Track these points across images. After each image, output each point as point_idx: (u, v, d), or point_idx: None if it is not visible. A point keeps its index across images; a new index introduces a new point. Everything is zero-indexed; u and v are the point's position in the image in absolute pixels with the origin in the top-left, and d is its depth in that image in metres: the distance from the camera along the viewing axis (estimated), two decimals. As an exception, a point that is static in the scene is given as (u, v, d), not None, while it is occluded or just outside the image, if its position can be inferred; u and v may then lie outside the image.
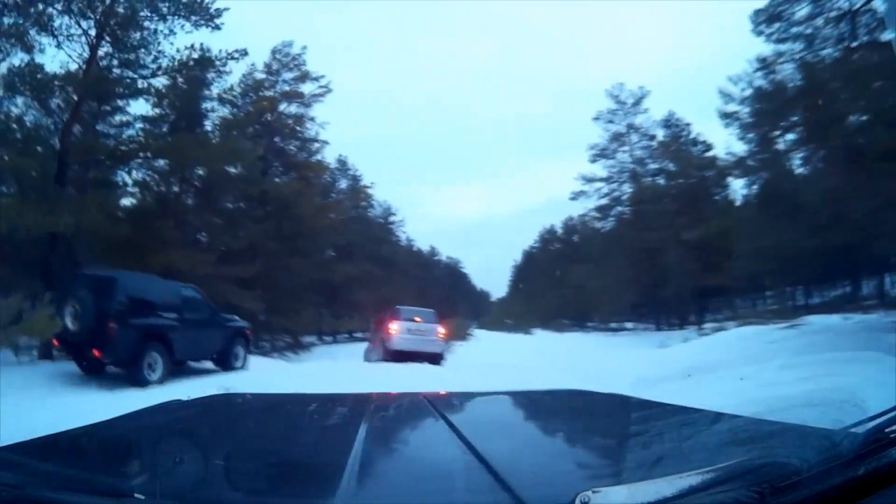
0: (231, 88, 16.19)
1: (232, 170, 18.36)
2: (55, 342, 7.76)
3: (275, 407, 1.67)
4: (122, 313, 7.08)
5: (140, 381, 6.86)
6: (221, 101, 16.22)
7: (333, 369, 9.28)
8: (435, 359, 10.80)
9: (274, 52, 21.84)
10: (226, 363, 8.76)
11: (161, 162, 14.71)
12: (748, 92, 15.85)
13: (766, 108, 15.07)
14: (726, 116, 17.69)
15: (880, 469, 0.60)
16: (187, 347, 8.01)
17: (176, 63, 12.07)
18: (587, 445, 1.09)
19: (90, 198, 10.83)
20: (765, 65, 14.16)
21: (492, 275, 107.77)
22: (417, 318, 11.82)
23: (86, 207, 9.81)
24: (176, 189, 17.36)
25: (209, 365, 8.81)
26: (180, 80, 12.93)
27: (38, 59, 10.42)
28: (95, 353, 6.96)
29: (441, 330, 12.10)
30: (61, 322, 7.08)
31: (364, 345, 18.00)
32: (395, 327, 11.36)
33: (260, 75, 21.13)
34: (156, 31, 11.55)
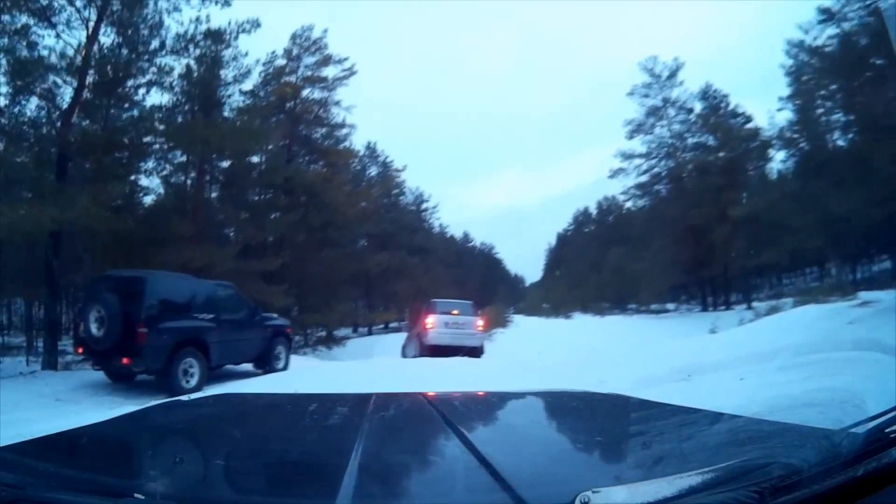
0: (248, 72, 15.06)
1: (255, 159, 17.42)
2: (78, 350, 7.28)
3: (275, 407, 1.67)
4: (153, 317, 6.56)
5: (175, 390, 6.20)
6: (241, 90, 15.13)
7: (377, 367, 8.64)
8: (474, 352, 10.34)
9: (294, 37, 21.08)
10: (266, 365, 8.25)
11: (175, 152, 13.56)
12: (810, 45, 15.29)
13: (825, 66, 14.31)
14: (794, 72, 17.32)
15: (880, 469, 0.60)
16: (226, 351, 7.46)
17: (183, 41, 11.15)
18: (587, 445, 1.09)
19: (84, 189, 9.90)
20: (829, 16, 13.37)
21: (525, 260, 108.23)
22: (455, 311, 11.35)
23: (76, 200, 8.88)
24: (193, 179, 16.30)
25: (248, 367, 8.30)
26: (191, 61, 11.98)
27: (36, 49, 9.66)
28: (124, 361, 6.42)
29: (479, 322, 11.68)
30: (84, 328, 6.54)
31: (400, 336, 17.54)
32: (431, 321, 10.93)
33: (280, 62, 20.34)
34: (157, 3, 10.70)
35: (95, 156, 11.03)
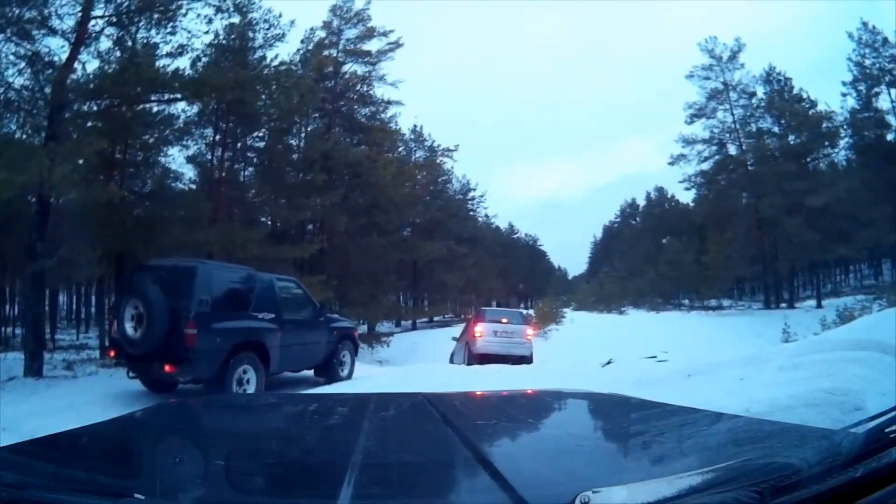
0: (281, 35, 13.27)
1: (291, 141, 15.86)
2: (110, 353, 6.27)
3: (275, 407, 1.67)
4: (205, 315, 5.50)
5: None
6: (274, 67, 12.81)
7: (453, 374, 7.76)
8: (523, 360, 10.31)
9: (334, 8, 20.01)
10: (330, 372, 7.33)
11: (203, 130, 12.13)
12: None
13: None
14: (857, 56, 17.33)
15: (880, 469, 0.60)
16: (287, 356, 6.47)
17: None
18: (587, 445, 1.09)
19: (52, 148, 7.82)
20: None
21: (568, 252, 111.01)
22: (504, 320, 11.43)
23: (37, 159, 7.02)
24: (219, 158, 14.60)
25: (307, 374, 7.44)
26: (210, 12, 10.19)
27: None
28: (167, 368, 5.37)
29: (529, 331, 11.70)
30: (118, 327, 5.54)
31: (446, 330, 17.37)
32: (480, 330, 11.00)
33: (320, 34, 19.16)
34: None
35: (77, 110, 9.15)
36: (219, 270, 6.37)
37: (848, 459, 0.63)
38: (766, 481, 0.61)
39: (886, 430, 0.65)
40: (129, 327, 5.45)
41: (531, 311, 23.51)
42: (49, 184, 7.25)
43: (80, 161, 8.05)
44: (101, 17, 9.30)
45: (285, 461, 0.96)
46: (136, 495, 0.69)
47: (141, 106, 10.67)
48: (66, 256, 7.86)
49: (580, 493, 0.59)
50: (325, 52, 19.35)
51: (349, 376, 7.64)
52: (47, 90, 8.52)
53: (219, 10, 10.40)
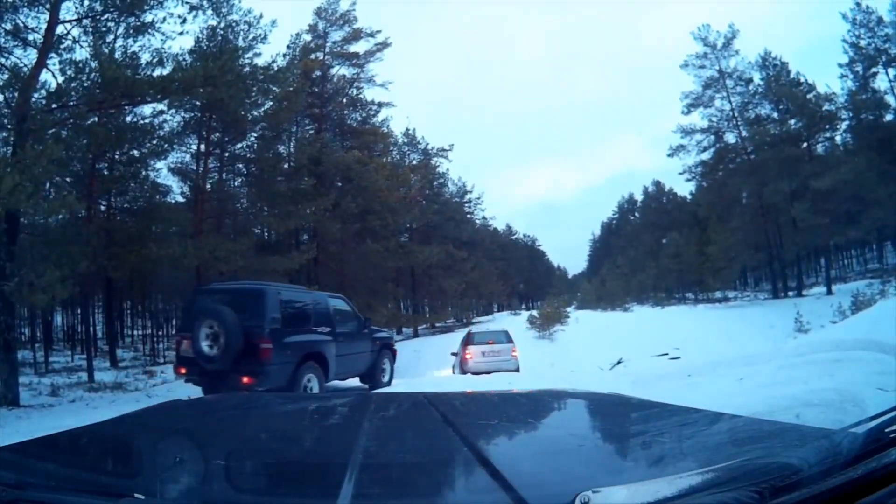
0: (263, 36, 12.82)
1: (281, 147, 15.50)
2: (180, 370, 6.82)
3: (275, 407, 1.67)
4: (276, 331, 6.28)
5: None
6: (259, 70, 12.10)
7: (457, 387, 7.61)
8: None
9: (319, 11, 19.85)
10: (373, 379, 8.18)
11: (172, 119, 11.62)
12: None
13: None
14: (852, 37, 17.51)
15: (880, 469, 0.60)
16: (341, 365, 7.29)
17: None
18: (587, 445, 1.09)
19: (4, 159, 7.42)
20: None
21: (566, 251, 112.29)
22: (490, 341, 12.53)
23: None
24: (199, 159, 14.22)
25: (353, 382, 8.14)
26: (188, 16, 9.86)
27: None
28: (245, 380, 5.96)
29: (514, 350, 12.73)
30: (194, 346, 6.12)
31: (448, 336, 17.71)
32: (469, 353, 12.11)
33: (305, 37, 19.04)
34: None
35: (43, 120, 8.54)
36: (283, 291, 7.07)
37: (848, 459, 0.63)
38: (766, 481, 0.61)
39: (886, 430, 0.65)
40: (205, 346, 6.07)
41: (534, 313, 23.35)
42: None
43: (39, 171, 7.39)
44: (69, 20, 9.01)
45: (285, 461, 0.96)
46: (136, 495, 0.69)
47: (112, 111, 10.26)
48: (27, 278, 7.52)
49: (580, 493, 0.59)
50: (312, 56, 19.17)
51: (389, 382, 8.39)
52: (13, 103, 8.29)
53: (192, 7, 10.14)
